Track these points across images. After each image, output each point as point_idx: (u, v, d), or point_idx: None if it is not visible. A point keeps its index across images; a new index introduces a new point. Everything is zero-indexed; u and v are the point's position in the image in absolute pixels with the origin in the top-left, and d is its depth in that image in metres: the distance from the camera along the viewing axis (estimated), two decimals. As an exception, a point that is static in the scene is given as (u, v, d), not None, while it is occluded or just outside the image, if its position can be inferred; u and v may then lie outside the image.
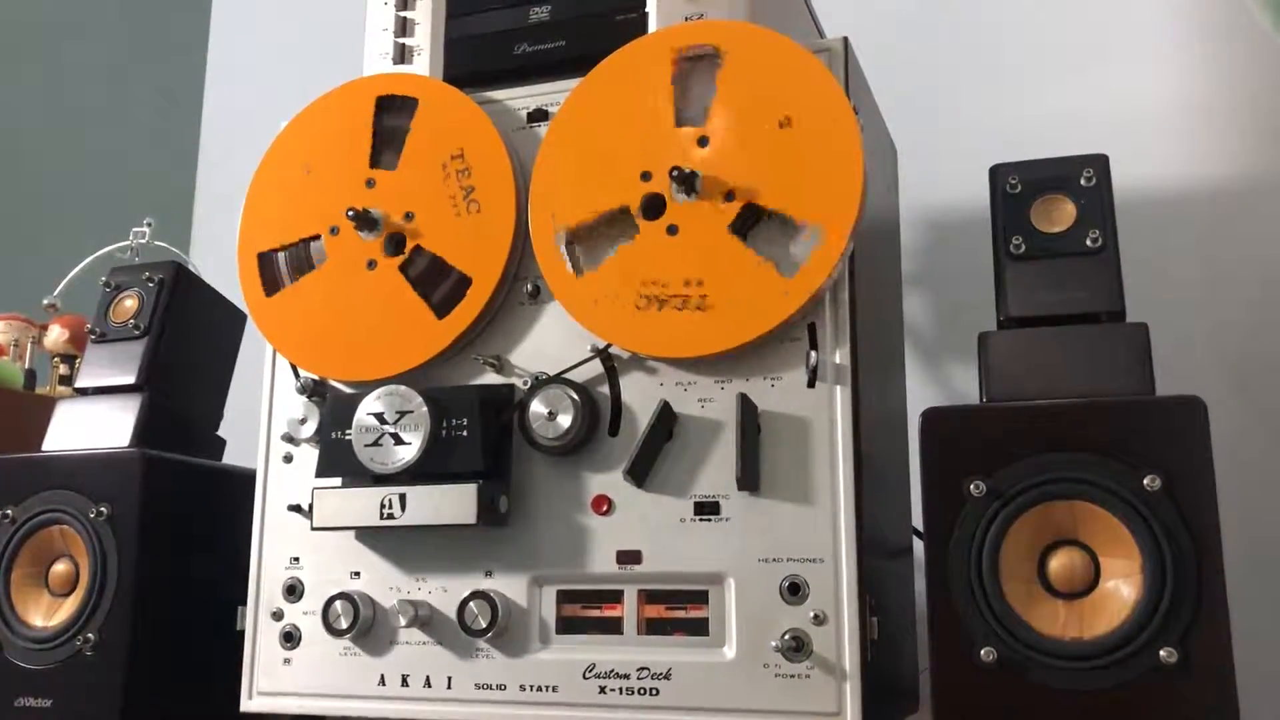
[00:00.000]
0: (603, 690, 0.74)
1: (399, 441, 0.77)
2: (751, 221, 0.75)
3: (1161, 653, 0.66)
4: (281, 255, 0.87)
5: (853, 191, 0.72)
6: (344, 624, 0.79)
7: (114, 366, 0.97)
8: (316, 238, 0.86)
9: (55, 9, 1.68)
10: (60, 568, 0.90)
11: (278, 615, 0.83)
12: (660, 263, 0.76)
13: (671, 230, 0.76)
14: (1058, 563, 0.70)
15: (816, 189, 0.73)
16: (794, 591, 0.71)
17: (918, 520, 0.87)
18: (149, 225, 1.23)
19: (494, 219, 0.81)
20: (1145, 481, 0.68)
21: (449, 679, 0.78)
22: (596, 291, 0.77)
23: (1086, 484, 0.69)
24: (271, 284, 0.87)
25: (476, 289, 0.80)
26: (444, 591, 0.79)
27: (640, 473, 0.75)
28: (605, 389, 0.77)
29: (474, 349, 0.81)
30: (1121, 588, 0.68)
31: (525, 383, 0.80)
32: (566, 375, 0.78)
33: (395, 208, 0.83)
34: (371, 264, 0.83)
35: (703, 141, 0.76)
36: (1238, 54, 1.19)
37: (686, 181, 0.75)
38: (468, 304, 0.80)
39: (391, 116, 0.86)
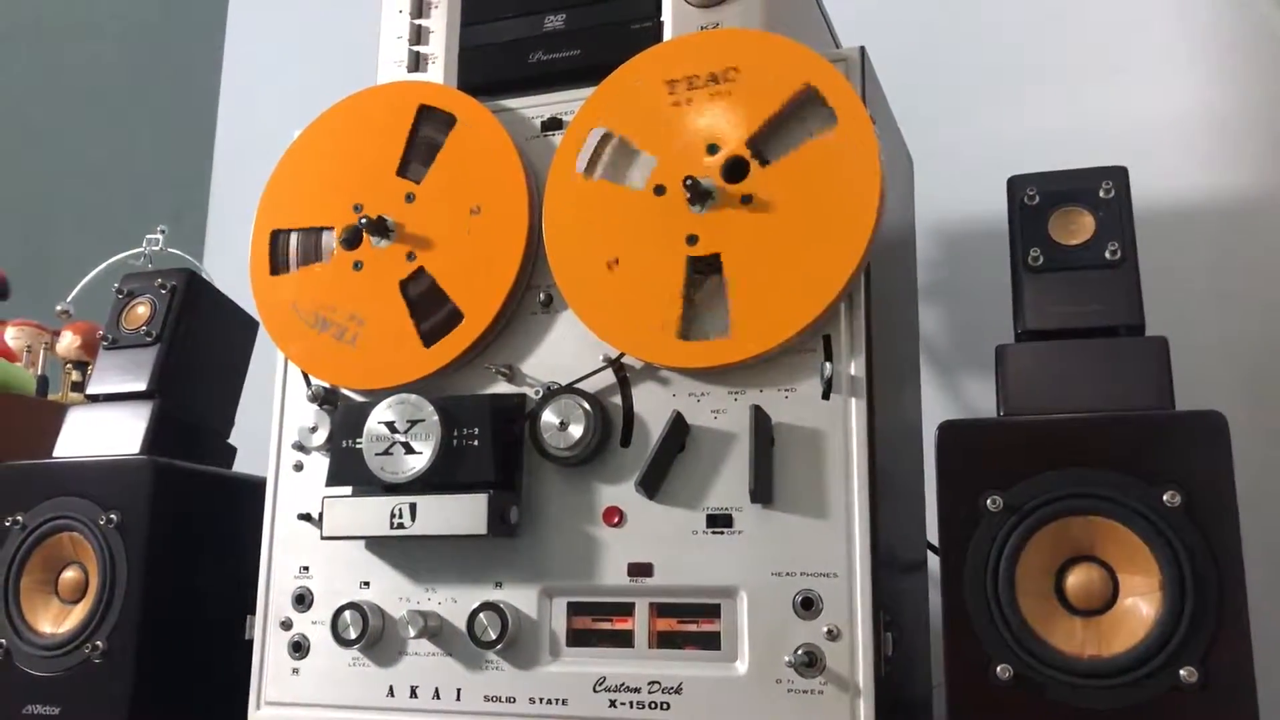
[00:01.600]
0: (613, 704, 0.73)
1: (410, 450, 0.77)
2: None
3: (1182, 672, 0.65)
4: (294, 236, 0.87)
5: (857, 248, 0.71)
6: (353, 634, 0.78)
7: (126, 373, 0.97)
8: (329, 229, 0.86)
9: (70, 15, 1.68)
10: (70, 575, 0.89)
11: (286, 625, 0.82)
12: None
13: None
14: (1075, 579, 0.69)
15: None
16: (807, 606, 0.70)
17: (931, 534, 0.86)
18: (162, 232, 1.23)
19: (500, 257, 0.80)
20: (1165, 497, 0.67)
21: (458, 690, 0.77)
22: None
23: (1105, 499, 0.68)
24: (278, 264, 0.87)
25: (466, 326, 0.80)
26: (454, 602, 0.78)
27: (652, 484, 0.74)
28: (617, 399, 0.77)
29: (486, 358, 0.81)
30: (1140, 605, 0.67)
31: (537, 392, 0.79)
32: (578, 385, 0.77)
33: (411, 221, 0.83)
34: (364, 267, 0.83)
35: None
36: (1254, 66, 1.18)
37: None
38: (454, 339, 0.80)
39: (429, 128, 0.85)
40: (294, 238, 0.87)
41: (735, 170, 0.75)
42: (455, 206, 0.82)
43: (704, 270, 0.75)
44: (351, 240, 0.84)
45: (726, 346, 0.73)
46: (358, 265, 0.83)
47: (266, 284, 0.86)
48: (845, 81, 0.74)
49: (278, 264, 0.87)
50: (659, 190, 0.77)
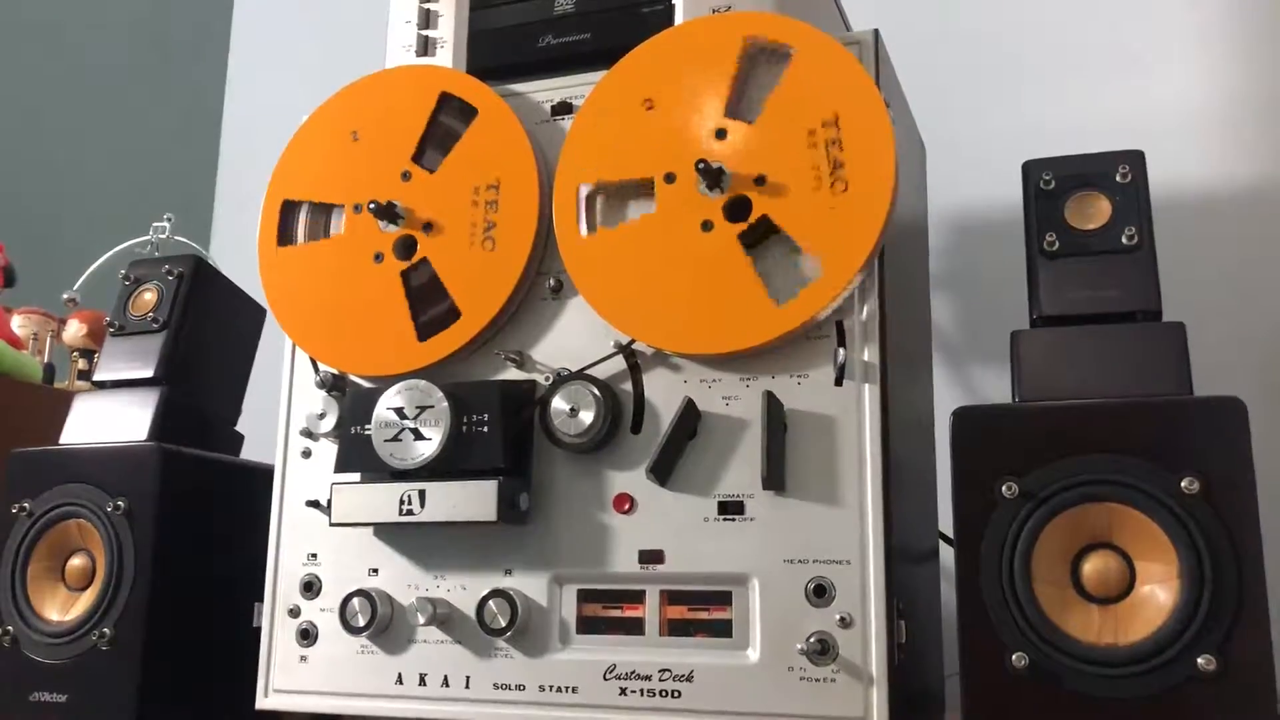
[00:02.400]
0: (623, 692, 0.73)
1: (419, 437, 0.76)
2: (762, 236, 0.74)
3: (1200, 660, 0.64)
4: (304, 209, 0.86)
5: (868, 239, 0.71)
6: (361, 621, 0.78)
7: (132, 360, 0.97)
8: (339, 207, 0.85)
9: (78, 6, 1.68)
10: (77, 562, 0.89)
11: (294, 612, 0.82)
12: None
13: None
14: (1092, 567, 0.68)
15: (833, 226, 0.72)
16: (820, 593, 0.70)
17: (944, 523, 0.85)
18: (169, 220, 1.23)
19: (506, 260, 0.79)
20: (1183, 484, 0.66)
21: (467, 678, 0.77)
22: (598, 254, 0.77)
23: (1122, 486, 0.67)
24: (286, 235, 0.86)
25: (463, 325, 0.79)
26: (463, 589, 0.78)
27: (663, 471, 0.73)
28: (628, 386, 0.76)
29: (495, 344, 0.80)
30: (1158, 593, 0.67)
31: (547, 379, 0.78)
32: (589, 371, 0.77)
33: (421, 209, 0.82)
34: (379, 257, 0.82)
35: (720, 134, 0.75)
36: (1272, 52, 1.17)
37: (712, 176, 0.73)
38: (449, 336, 0.80)
39: (448, 115, 0.85)
40: (303, 210, 0.87)
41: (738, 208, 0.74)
42: (465, 203, 0.81)
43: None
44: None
45: (739, 332, 0.73)
46: (379, 257, 0.82)
47: (273, 254, 0.86)
48: (884, 111, 0.73)
49: (286, 234, 0.86)
50: (669, 178, 0.76)
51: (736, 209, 0.74)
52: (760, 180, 0.74)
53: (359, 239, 0.83)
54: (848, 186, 0.72)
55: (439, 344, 0.80)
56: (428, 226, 0.82)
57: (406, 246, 0.82)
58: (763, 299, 0.72)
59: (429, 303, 0.81)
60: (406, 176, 0.83)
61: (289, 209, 0.87)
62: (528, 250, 0.79)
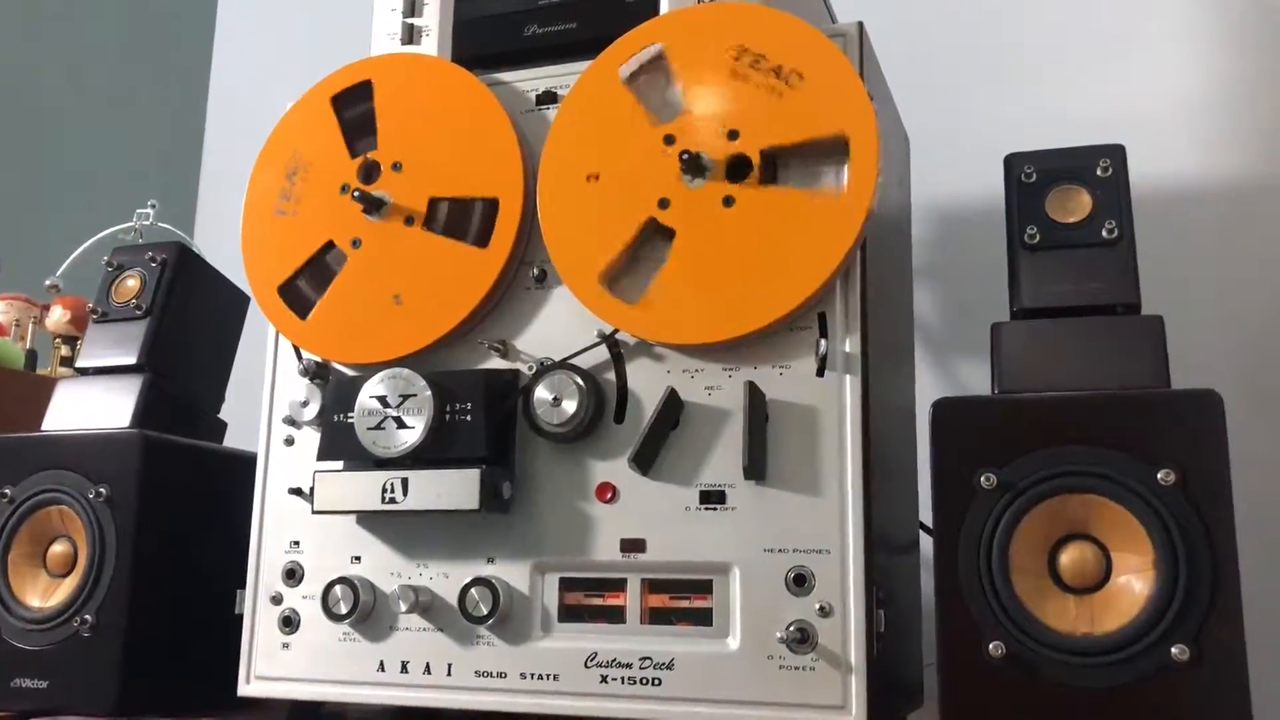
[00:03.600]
0: (604, 680, 0.73)
1: (402, 425, 0.76)
2: (745, 226, 0.73)
3: (1173, 650, 0.65)
4: (301, 279, 0.85)
5: (847, 236, 0.71)
6: (344, 609, 0.78)
7: (115, 346, 0.97)
8: (329, 247, 0.84)
9: (62, -11, 1.67)
10: (58, 548, 0.89)
11: (277, 599, 0.82)
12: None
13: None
14: (1069, 557, 0.69)
15: (812, 221, 0.72)
16: (800, 583, 0.70)
17: (924, 514, 0.86)
18: (153, 207, 1.22)
19: (497, 143, 0.80)
20: (1159, 476, 0.67)
21: (449, 666, 0.77)
22: (579, 244, 0.77)
23: (1099, 477, 0.68)
24: (302, 307, 0.84)
25: (507, 207, 0.79)
26: (445, 578, 0.78)
27: (645, 460, 0.74)
28: (611, 375, 0.76)
29: (479, 333, 0.80)
30: (1133, 583, 0.67)
31: (530, 368, 0.79)
32: (572, 361, 0.77)
33: (395, 186, 0.82)
34: (356, 243, 0.83)
35: (733, 134, 0.75)
36: (1254, 47, 1.18)
37: (695, 167, 0.74)
38: (504, 222, 0.79)
39: (353, 107, 0.85)
40: (300, 281, 0.85)
41: (738, 168, 0.74)
42: (426, 137, 0.82)
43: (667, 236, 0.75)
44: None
45: (722, 322, 0.73)
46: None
47: (303, 330, 0.84)
48: (853, 73, 0.73)
49: (301, 308, 0.84)
50: (669, 140, 0.76)
51: (722, 198, 0.74)
52: (743, 171, 0.74)
53: (368, 245, 0.83)
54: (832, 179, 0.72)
55: (501, 237, 0.79)
56: (410, 219, 0.82)
57: (408, 215, 0.82)
58: (745, 289, 0.73)
59: (464, 225, 0.81)
60: (363, 170, 0.84)
61: (287, 288, 0.85)
62: (511, 240, 0.79)
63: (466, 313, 0.79)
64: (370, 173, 0.84)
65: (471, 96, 0.82)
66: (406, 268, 0.81)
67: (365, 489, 0.77)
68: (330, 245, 0.84)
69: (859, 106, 0.73)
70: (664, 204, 0.75)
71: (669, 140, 0.76)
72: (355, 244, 0.83)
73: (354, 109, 0.86)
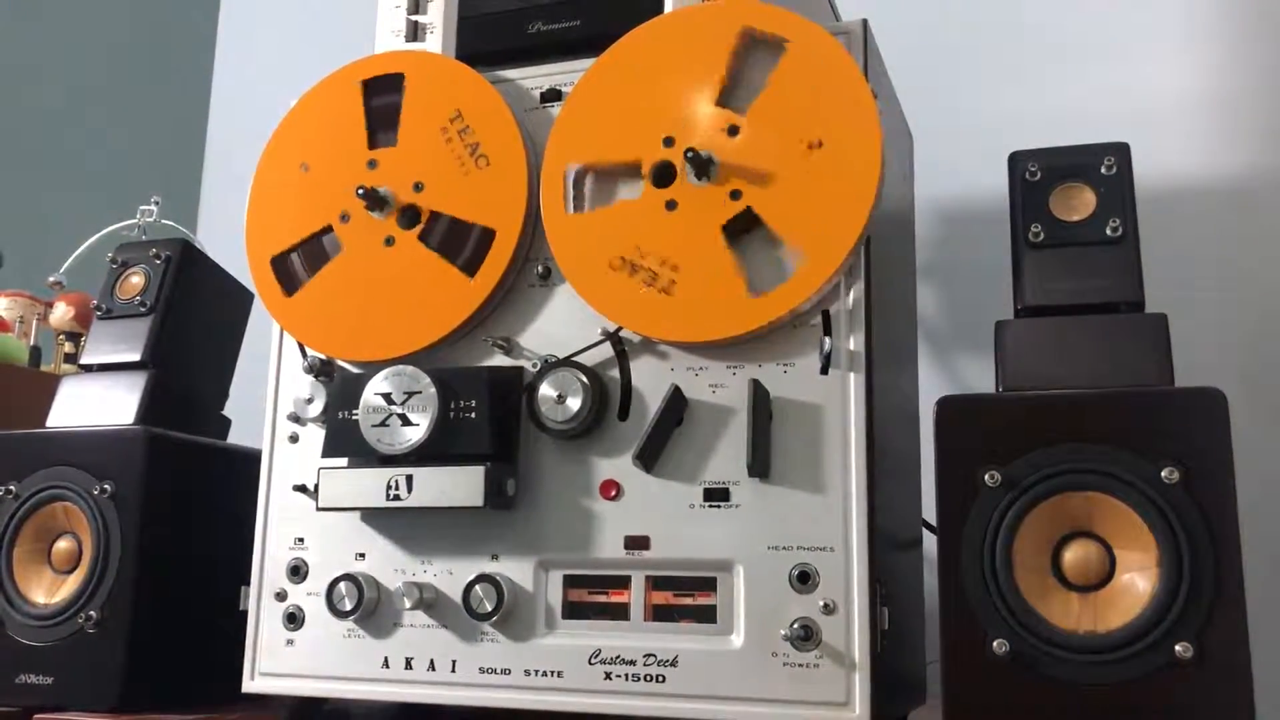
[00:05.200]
0: (608, 676, 0.73)
1: (406, 422, 0.76)
2: (746, 227, 0.74)
3: (1177, 647, 0.65)
4: (295, 255, 0.86)
5: (850, 234, 0.71)
6: (348, 606, 0.78)
7: (120, 343, 0.97)
8: (327, 230, 0.85)
9: (65, -14, 1.67)
10: (63, 545, 0.89)
11: (281, 596, 0.82)
12: (648, 233, 0.75)
13: (671, 205, 0.75)
14: (1072, 555, 0.69)
15: (816, 220, 0.72)
16: (804, 580, 0.70)
17: (927, 512, 0.86)
18: (156, 203, 1.22)
19: (505, 169, 0.80)
20: (1163, 474, 0.67)
21: (453, 662, 0.77)
22: (580, 235, 0.77)
23: (1103, 475, 0.68)
24: (290, 284, 0.85)
25: (501, 240, 0.79)
26: (449, 574, 0.78)
27: (650, 458, 0.74)
28: (615, 373, 0.77)
29: (483, 330, 0.81)
30: (1137, 581, 0.67)
31: (534, 365, 0.79)
32: (576, 358, 0.77)
33: (402, 182, 0.82)
34: (389, 240, 0.82)
35: (733, 130, 0.75)
36: (1258, 44, 1.18)
37: (701, 165, 0.74)
38: (495, 256, 0.79)
39: (381, 96, 0.85)
40: (295, 257, 0.85)
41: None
42: (440, 147, 0.82)
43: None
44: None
45: (664, 322, 0.73)
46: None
47: (286, 305, 0.84)
48: (873, 105, 0.73)
49: (290, 283, 0.85)
50: (668, 141, 0.76)
51: (726, 198, 0.74)
52: (747, 170, 0.74)
53: (362, 239, 0.83)
54: (833, 183, 0.72)
55: (490, 269, 0.78)
56: (418, 187, 0.82)
57: (409, 217, 0.82)
58: (742, 290, 0.73)
59: (458, 246, 0.81)
60: (373, 164, 0.84)
61: (280, 262, 0.85)
62: (524, 167, 0.79)
63: (495, 282, 0.79)
64: (382, 169, 0.83)
65: (482, 100, 0.82)
66: (394, 272, 0.82)
67: (370, 486, 0.77)
68: (328, 229, 0.84)
69: (849, 77, 0.73)
70: (672, 205, 0.75)
71: (668, 143, 0.76)
72: (344, 218, 0.83)
73: (380, 98, 0.85)
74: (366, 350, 0.82)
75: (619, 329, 0.76)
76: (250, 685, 0.82)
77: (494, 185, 0.80)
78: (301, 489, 0.82)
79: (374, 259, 0.82)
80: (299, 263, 0.86)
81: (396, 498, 0.76)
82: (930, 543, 0.78)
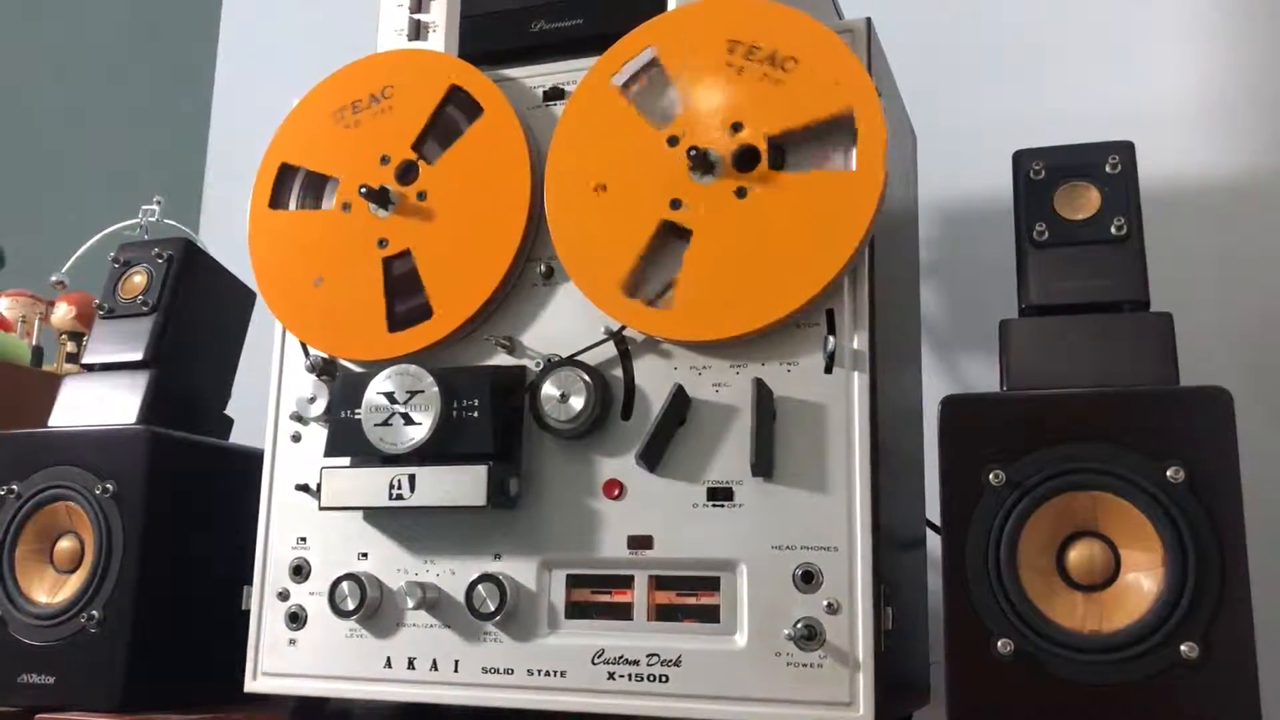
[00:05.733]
0: (611, 676, 0.73)
1: (409, 422, 0.76)
2: (752, 223, 0.74)
3: (1182, 647, 0.65)
4: (300, 174, 0.87)
5: (856, 230, 0.71)
6: (351, 605, 0.78)
7: (122, 343, 0.97)
8: (333, 181, 0.85)
9: (67, -15, 1.67)
10: (65, 544, 0.89)
11: (284, 595, 0.82)
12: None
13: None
14: (1077, 554, 0.69)
15: (820, 215, 0.73)
16: (807, 580, 0.70)
17: (930, 512, 0.86)
18: (158, 203, 1.22)
19: (488, 263, 0.79)
20: (1168, 473, 0.67)
21: (456, 662, 0.77)
22: (584, 240, 0.78)
23: (1108, 475, 0.68)
24: (279, 199, 0.86)
25: (433, 324, 0.80)
26: (452, 574, 0.78)
27: (653, 457, 0.74)
28: (618, 372, 0.76)
29: (486, 330, 0.80)
30: (1142, 581, 0.67)
31: (537, 364, 0.79)
32: (579, 357, 0.77)
33: (412, 197, 0.82)
34: (383, 243, 0.82)
35: (736, 127, 0.75)
36: (1261, 44, 1.18)
37: (705, 164, 0.74)
38: (418, 333, 0.80)
39: (454, 107, 0.84)
40: (300, 175, 0.87)
41: (746, 159, 0.74)
42: (458, 198, 0.81)
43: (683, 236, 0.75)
44: (376, 196, 0.82)
45: (729, 319, 0.73)
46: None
47: (263, 215, 0.86)
48: (861, 68, 0.73)
49: (276, 198, 0.87)
50: (672, 141, 0.76)
51: (735, 190, 0.74)
52: (752, 161, 0.74)
53: (348, 220, 0.83)
54: (837, 176, 0.72)
55: (408, 339, 0.80)
56: (420, 214, 0.82)
57: (396, 234, 0.82)
58: (751, 286, 0.72)
59: (406, 295, 0.81)
60: (404, 165, 0.83)
61: (285, 172, 0.87)
62: (519, 236, 0.79)
63: (402, 353, 0.80)
64: (405, 174, 0.84)
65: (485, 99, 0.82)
66: (432, 251, 0.81)
67: (372, 485, 0.77)
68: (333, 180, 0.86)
69: (859, 83, 0.73)
70: (676, 204, 0.75)
71: (673, 141, 0.76)
72: (382, 244, 0.83)
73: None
74: (368, 349, 0.82)
75: (622, 328, 0.76)
76: (252, 685, 0.82)
77: (467, 273, 0.80)
78: (304, 488, 0.82)
79: (343, 244, 0.83)
80: (299, 186, 0.87)
81: (399, 497, 0.76)
82: (934, 542, 0.78)
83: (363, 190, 0.81)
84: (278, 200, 0.87)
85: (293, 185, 0.87)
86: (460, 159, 0.82)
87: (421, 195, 0.82)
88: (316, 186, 0.87)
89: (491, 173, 0.81)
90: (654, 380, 0.76)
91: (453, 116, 0.84)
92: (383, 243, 0.82)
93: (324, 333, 0.83)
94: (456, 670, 0.77)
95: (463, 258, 0.80)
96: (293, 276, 0.84)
